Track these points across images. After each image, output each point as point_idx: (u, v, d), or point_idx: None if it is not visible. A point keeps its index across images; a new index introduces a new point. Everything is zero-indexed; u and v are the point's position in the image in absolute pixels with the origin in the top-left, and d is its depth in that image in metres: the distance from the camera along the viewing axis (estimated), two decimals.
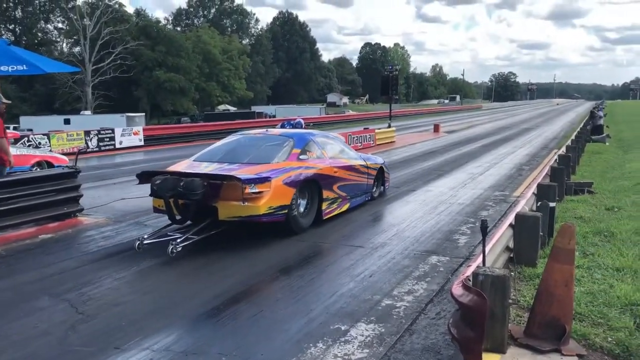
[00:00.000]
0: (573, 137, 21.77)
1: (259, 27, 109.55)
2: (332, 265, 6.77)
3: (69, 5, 68.45)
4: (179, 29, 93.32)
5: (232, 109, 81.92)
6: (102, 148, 24.24)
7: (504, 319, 4.13)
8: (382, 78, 33.09)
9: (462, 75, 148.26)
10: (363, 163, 10.60)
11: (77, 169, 9.53)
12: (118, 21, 66.91)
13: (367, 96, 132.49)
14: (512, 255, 6.31)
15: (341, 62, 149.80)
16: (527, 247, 6.31)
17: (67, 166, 10.28)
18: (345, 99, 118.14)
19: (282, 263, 6.85)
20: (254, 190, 7.44)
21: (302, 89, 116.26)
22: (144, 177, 7.93)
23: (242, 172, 7.68)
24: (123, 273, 6.48)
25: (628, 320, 4.71)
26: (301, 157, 8.65)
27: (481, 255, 4.46)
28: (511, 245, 6.36)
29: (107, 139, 24.74)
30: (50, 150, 19.88)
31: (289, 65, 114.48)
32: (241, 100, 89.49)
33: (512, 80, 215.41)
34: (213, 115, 60.18)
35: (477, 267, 4.30)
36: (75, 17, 64.04)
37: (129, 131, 26.40)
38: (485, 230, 4.21)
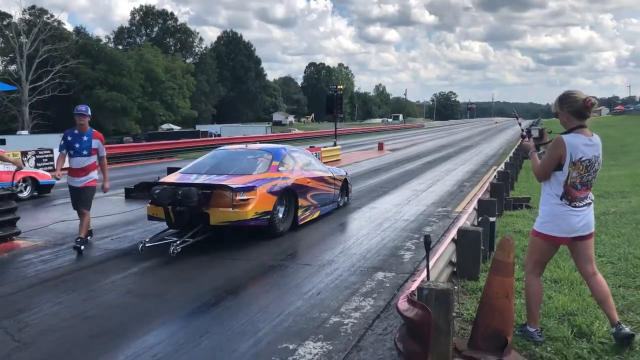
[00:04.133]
0: (511, 154, 22.53)
1: (203, 46, 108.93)
2: (280, 284, 6.75)
3: (4, 23, 66.21)
4: (120, 47, 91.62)
5: (176, 128, 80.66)
6: (41, 169, 23.40)
7: (449, 332, 4.21)
8: (326, 97, 33.39)
9: (405, 94, 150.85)
10: (331, 175, 11.59)
11: (14, 190, 9.19)
12: (57, 39, 65.31)
13: (313, 115, 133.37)
14: (455, 270, 6.45)
15: (286, 81, 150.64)
16: (470, 261, 6.46)
17: (2, 187, 9.89)
18: (291, 118, 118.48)
19: (228, 283, 6.78)
20: (242, 198, 8.25)
21: (247, 108, 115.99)
22: (141, 188, 8.66)
23: (231, 181, 8.49)
24: (62, 297, 6.25)
25: (566, 329, 4.88)
26: (279, 168, 9.57)
27: (425, 270, 4.54)
28: (454, 259, 6.50)
29: (46, 160, 23.91)
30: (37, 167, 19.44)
31: (234, 84, 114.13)
32: (185, 119, 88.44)
33: (453, 99, 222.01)
34: (156, 135, 59.08)
35: (422, 281, 4.37)
36: (11, 34, 62.00)
37: None
38: (428, 245, 4.30)
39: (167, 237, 8.50)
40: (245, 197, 8.30)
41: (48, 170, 23.35)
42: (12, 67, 66.50)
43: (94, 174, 8.57)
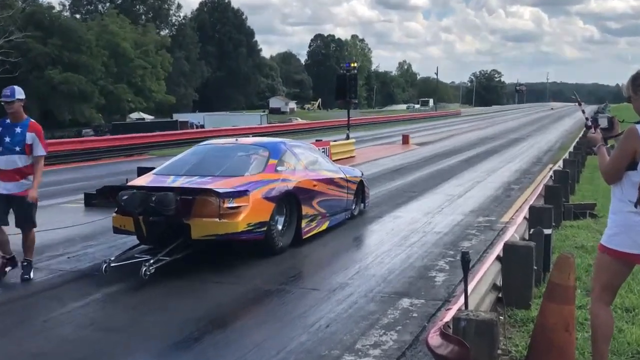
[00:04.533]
0: (571, 148, 22.46)
1: (182, 14, 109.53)
2: (279, 314, 6.76)
3: None
4: (78, 16, 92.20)
5: (149, 117, 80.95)
6: None
7: None
8: (337, 78, 33.35)
9: (436, 74, 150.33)
10: (342, 176, 11.67)
11: None
12: None
13: (320, 101, 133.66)
14: (500, 295, 6.44)
15: (286, 58, 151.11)
16: (519, 285, 6.45)
17: None
18: (292, 104, 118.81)
19: (214, 313, 6.80)
20: (232, 205, 8.27)
21: (237, 92, 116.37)
22: (104, 193, 8.73)
23: (218, 185, 8.54)
24: (7, 331, 6.29)
25: None
26: (278, 168, 9.65)
27: (463, 296, 4.54)
28: (499, 282, 6.49)
29: None
30: None
31: (221, 63, 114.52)
32: (160, 107, 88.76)
33: (497, 79, 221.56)
34: (124, 126, 59.30)
35: (459, 310, 4.37)
36: None
37: None
38: (467, 265, 4.30)
39: (138, 254, 8.50)
40: (235, 205, 8.34)
41: None
42: None
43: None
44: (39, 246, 9.51)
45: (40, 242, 9.83)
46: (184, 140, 36.84)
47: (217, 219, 8.24)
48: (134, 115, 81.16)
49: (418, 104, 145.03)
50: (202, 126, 63.34)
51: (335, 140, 28.14)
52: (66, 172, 23.89)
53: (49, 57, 70.39)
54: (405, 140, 35.41)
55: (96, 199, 9.21)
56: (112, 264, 7.97)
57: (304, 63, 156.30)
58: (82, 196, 14.57)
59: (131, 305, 7.07)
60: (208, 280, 7.93)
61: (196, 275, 8.13)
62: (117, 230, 8.84)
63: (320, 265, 8.88)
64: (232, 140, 11.07)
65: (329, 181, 10.99)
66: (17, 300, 7.28)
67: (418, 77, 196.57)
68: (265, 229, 8.77)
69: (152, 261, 7.80)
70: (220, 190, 8.23)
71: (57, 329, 6.37)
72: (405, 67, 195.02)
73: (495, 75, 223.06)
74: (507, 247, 6.54)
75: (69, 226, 11.28)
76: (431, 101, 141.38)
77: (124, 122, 69.77)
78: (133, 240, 9.00)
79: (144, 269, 7.62)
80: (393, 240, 10.27)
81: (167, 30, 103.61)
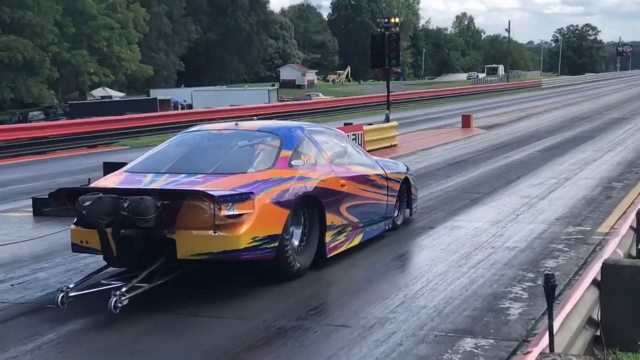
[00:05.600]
0: None
1: None
2: (297, 359, 6.79)
3: None
4: None
5: (118, 95, 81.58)
6: None
7: None
8: (372, 39, 33.35)
9: (508, 31, 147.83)
10: (381, 172, 11.72)
11: None
12: None
13: (349, 70, 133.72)
14: (599, 333, 6.40)
15: (303, 13, 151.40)
16: (624, 319, 6.40)
17: None
18: (312, 75, 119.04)
19: (210, 358, 6.82)
20: (231, 213, 8.13)
21: (236, 60, 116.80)
22: (59, 198, 8.65)
23: (212, 185, 8.52)
24: None
25: None
26: (293, 162, 9.60)
27: (547, 335, 4.52)
28: (597, 316, 6.45)
29: None
30: None
31: (214, 20, 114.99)
32: (133, 81, 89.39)
33: (591, 38, 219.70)
34: (84, 107, 59.94)
35: (541, 354, 4.36)
36: None
37: None
38: (552, 292, 4.28)
39: (105, 280, 8.51)
40: (235, 212, 8.25)
41: None
42: None
43: None
44: None
45: None
46: (165, 125, 37.15)
47: (211, 232, 8.22)
48: (98, 93, 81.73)
49: (483, 72, 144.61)
50: (190, 106, 63.82)
51: (370, 124, 28.07)
52: (8, 169, 24.13)
53: None
54: (466, 122, 35.27)
55: (49, 206, 9.14)
56: (71, 294, 7.97)
57: (326, 19, 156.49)
58: (29, 202, 14.70)
59: (96, 349, 7.11)
60: (201, 315, 7.95)
61: (185, 308, 8.16)
62: (77, 247, 8.84)
63: (351, 294, 8.85)
64: (230, 125, 10.97)
65: (363, 179, 10.98)
66: None
67: (483, 37, 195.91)
68: (276, 244, 8.72)
69: (124, 289, 7.79)
70: (216, 193, 8.12)
71: None
72: (466, 22, 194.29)
73: (589, 33, 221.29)
74: (608, 267, 6.50)
75: (12, 242, 11.39)
76: (501, 68, 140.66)
77: (85, 102, 70.41)
78: (99, 261, 9.04)
79: (114, 300, 7.58)
80: (450, 260, 10.22)
81: None
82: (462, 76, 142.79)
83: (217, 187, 8.49)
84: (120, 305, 7.58)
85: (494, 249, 10.77)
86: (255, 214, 8.42)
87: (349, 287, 9.27)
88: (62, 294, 7.85)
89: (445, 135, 31.97)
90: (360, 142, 24.42)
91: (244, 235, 8.31)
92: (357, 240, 10.66)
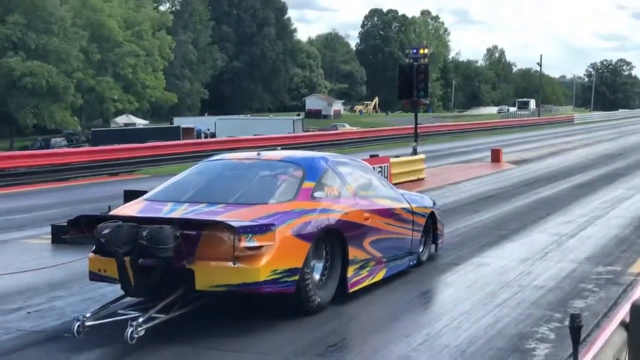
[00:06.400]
0: None
1: None
2: None
3: None
4: None
5: (141, 122, 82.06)
6: None
7: None
8: (400, 70, 33.41)
9: (539, 65, 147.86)
10: (406, 205, 11.68)
11: None
12: None
13: (376, 100, 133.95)
14: None
15: (330, 41, 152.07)
16: None
17: None
18: (338, 105, 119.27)
19: None
20: (251, 244, 8.14)
21: (261, 89, 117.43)
22: (78, 225, 8.68)
23: (232, 216, 8.50)
24: None
25: None
26: (316, 194, 9.60)
27: None
28: (625, 358, 6.37)
29: None
30: None
31: (240, 48, 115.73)
32: (157, 108, 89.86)
33: (625, 73, 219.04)
34: (107, 134, 60.27)
35: None
36: None
37: None
38: (577, 333, 4.23)
39: (122, 310, 8.55)
40: (255, 244, 8.25)
41: None
42: None
43: None
44: None
45: None
46: (187, 154, 37.20)
47: (230, 264, 8.20)
48: (122, 120, 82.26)
49: (514, 106, 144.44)
50: (213, 135, 63.95)
51: (397, 156, 28.13)
52: (28, 196, 24.33)
53: (8, 39, 71.75)
54: (496, 156, 35.23)
55: (68, 234, 9.22)
56: (88, 323, 7.98)
57: (354, 48, 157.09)
58: (48, 229, 14.79)
59: None
60: (218, 348, 7.93)
61: (202, 341, 8.14)
62: (94, 276, 8.88)
63: (372, 331, 8.80)
64: (252, 154, 11.01)
65: (388, 213, 10.95)
66: None
67: (514, 70, 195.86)
68: (296, 278, 8.70)
69: (141, 320, 7.80)
70: (236, 224, 8.12)
71: None
72: (497, 55, 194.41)
73: (623, 68, 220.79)
74: (637, 308, 6.42)
75: (30, 270, 11.45)
76: (532, 103, 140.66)
77: (108, 129, 70.83)
78: (116, 290, 9.06)
79: (131, 330, 7.58)
80: (475, 297, 10.17)
81: (168, 4, 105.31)
82: (493, 109, 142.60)
83: (237, 217, 8.49)
84: (136, 336, 7.58)
85: (521, 288, 10.70)
86: (275, 246, 8.42)
87: (370, 323, 9.23)
88: (78, 323, 7.85)
89: (473, 169, 31.95)
90: (386, 175, 24.40)
91: (264, 267, 8.31)
92: (380, 275, 10.61)
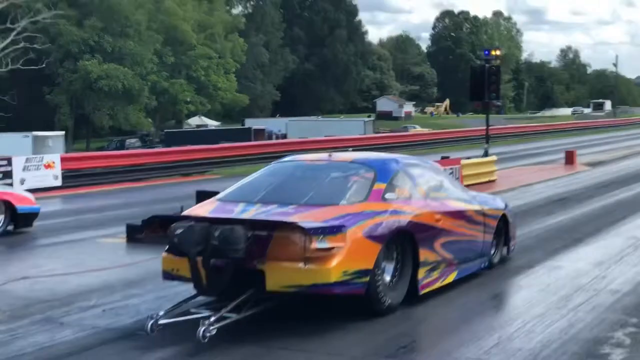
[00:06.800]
0: None
1: None
2: None
3: None
4: None
5: (213, 123, 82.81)
6: (20, 188, 24.73)
7: None
8: (472, 71, 33.22)
9: (615, 65, 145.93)
10: (478, 207, 11.64)
11: None
12: None
13: (447, 102, 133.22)
14: None
15: (402, 44, 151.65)
16: None
17: None
18: (409, 107, 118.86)
19: None
20: (322, 246, 8.19)
21: (333, 90, 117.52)
22: (152, 225, 8.96)
23: (303, 217, 8.56)
24: None
25: None
26: (387, 195, 9.60)
27: None
28: None
29: (0, 175, 25.16)
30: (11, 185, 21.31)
31: (312, 50, 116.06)
32: (228, 110, 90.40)
33: None
34: (180, 136, 60.95)
35: None
36: None
37: (37, 162, 26.86)
38: None
39: (195, 309, 8.67)
40: (326, 245, 8.29)
41: None
42: None
43: None
44: (67, 294, 10.01)
45: (69, 288, 10.29)
46: (259, 155, 37.46)
47: (301, 265, 8.24)
48: (194, 121, 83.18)
49: (588, 107, 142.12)
50: (285, 136, 64.26)
51: (468, 158, 27.93)
52: (104, 195, 24.73)
53: (85, 43, 72.97)
54: (570, 158, 34.79)
55: (142, 233, 9.39)
56: (161, 321, 8.12)
57: (425, 50, 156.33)
58: (123, 228, 15.05)
59: None
60: (289, 348, 7.97)
61: (273, 341, 8.18)
62: (167, 275, 9.02)
63: (443, 333, 8.77)
64: (324, 156, 11.04)
65: (459, 215, 10.90)
66: None
67: (589, 71, 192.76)
68: (367, 279, 8.69)
69: (213, 319, 7.90)
70: (307, 225, 8.20)
71: None
72: (571, 55, 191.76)
73: None
74: None
75: (106, 268, 11.68)
76: (608, 104, 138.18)
77: (181, 130, 71.66)
78: (189, 289, 9.16)
79: (203, 329, 7.69)
80: (549, 301, 10.04)
81: (240, 8, 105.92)
82: (566, 111, 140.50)
83: (308, 218, 8.54)
84: (208, 334, 7.69)
85: (595, 292, 10.54)
86: (346, 248, 8.42)
87: (441, 325, 9.20)
88: (152, 321, 8.00)
89: (547, 171, 31.58)
90: (457, 177, 24.29)
91: (335, 269, 8.31)
92: (451, 277, 10.55)
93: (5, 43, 64.90)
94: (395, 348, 8.04)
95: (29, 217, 15.86)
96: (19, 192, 16.65)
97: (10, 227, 15.54)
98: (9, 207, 15.32)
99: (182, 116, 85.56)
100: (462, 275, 10.89)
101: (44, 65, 68.47)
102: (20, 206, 15.52)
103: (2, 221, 15.28)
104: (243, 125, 77.09)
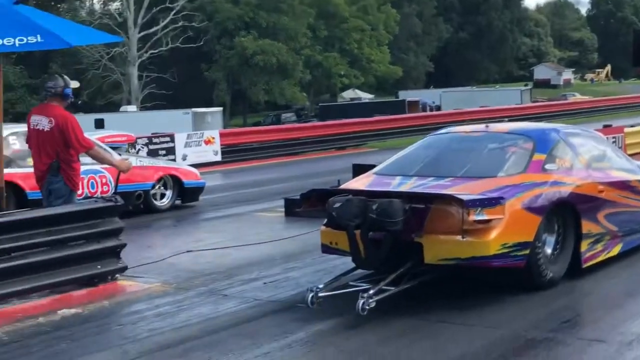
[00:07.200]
0: None
1: None
2: None
3: None
4: None
5: (367, 96, 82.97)
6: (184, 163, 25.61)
7: None
8: (635, 35, 32.02)
9: None
10: None
11: (117, 201, 10.02)
12: None
13: (609, 68, 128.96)
14: None
15: (559, 9, 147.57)
16: None
17: (102, 197, 10.88)
18: (568, 74, 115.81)
19: None
20: (480, 218, 8.13)
21: (487, 59, 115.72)
22: (310, 199, 9.20)
23: (459, 189, 8.57)
24: None
25: None
26: (547, 166, 9.43)
27: None
28: None
29: (163, 152, 26.03)
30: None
31: (466, 19, 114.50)
32: (382, 82, 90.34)
33: None
34: (334, 109, 61.24)
35: None
36: None
37: (197, 138, 27.72)
38: None
39: (354, 282, 8.72)
40: (484, 217, 8.22)
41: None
42: (114, 5, 73.17)
43: None
44: (229, 267, 10.31)
45: (230, 262, 10.58)
46: (413, 128, 37.34)
47: (459, 237, 8.22)
48: (348, 94, 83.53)
49: None
50: (439, 107, 63.78)
51: (632, 126, 27.02)
52: (262, 169, 25.24)
53: (240, 20, 74.39)
54: None
55: (300, 207, 9.54)
56: (321, 294, 8.23)
57: (585, 15, 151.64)
58: (281, 203, 15.31)
59: (343, 350, 7.27)
60: (448, 321, 7.96)
61: (430, 314, 8.19)
62: (326, 248, 9.14)
63: (608, 307, 8.53)
64: (480, 127, 10.96)
65: (623, 185, 10.57)
66: (199, 337, 7.73)
67: None
68: (527, 252, 8.56)
69: (372, 292, 7.94)
70: (464, 197, 8.14)
71: None
72: None
73: None
74: None
75: (265, 242, 11.93)
76: None
77: (335, 104, 72.08)
78: (347, 262, 9.25)
79: (362, 302, 7.76)
80: None
81: None
82: None
83: (466, 191, 8.49)
84: (367, 307, 7.76)
85: None
86: (505, 220, 8.33)
87: (605, 299, 8.96)
88: (312, 294, 8.12)
89: None
90: (620, 146, 23.56)
91: (494, 241, 8.24)
92: (615, 250, 10.25)
93: (165, 22, 66.91)
94: (558, 322, 7.90)
95: (196, 192, 16.53)
96: (185, 167, 17.27)
97: (178, 201, 16.15)
98: (176, 182, 15.91)
99: (336, 90, 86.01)
100: (627, 248, 10.54)
101: (202, 43, 70.22)
102: (187, 181, 16.16)
103: (170, 196, 15.92)
104: (397, 97, 76.85)
